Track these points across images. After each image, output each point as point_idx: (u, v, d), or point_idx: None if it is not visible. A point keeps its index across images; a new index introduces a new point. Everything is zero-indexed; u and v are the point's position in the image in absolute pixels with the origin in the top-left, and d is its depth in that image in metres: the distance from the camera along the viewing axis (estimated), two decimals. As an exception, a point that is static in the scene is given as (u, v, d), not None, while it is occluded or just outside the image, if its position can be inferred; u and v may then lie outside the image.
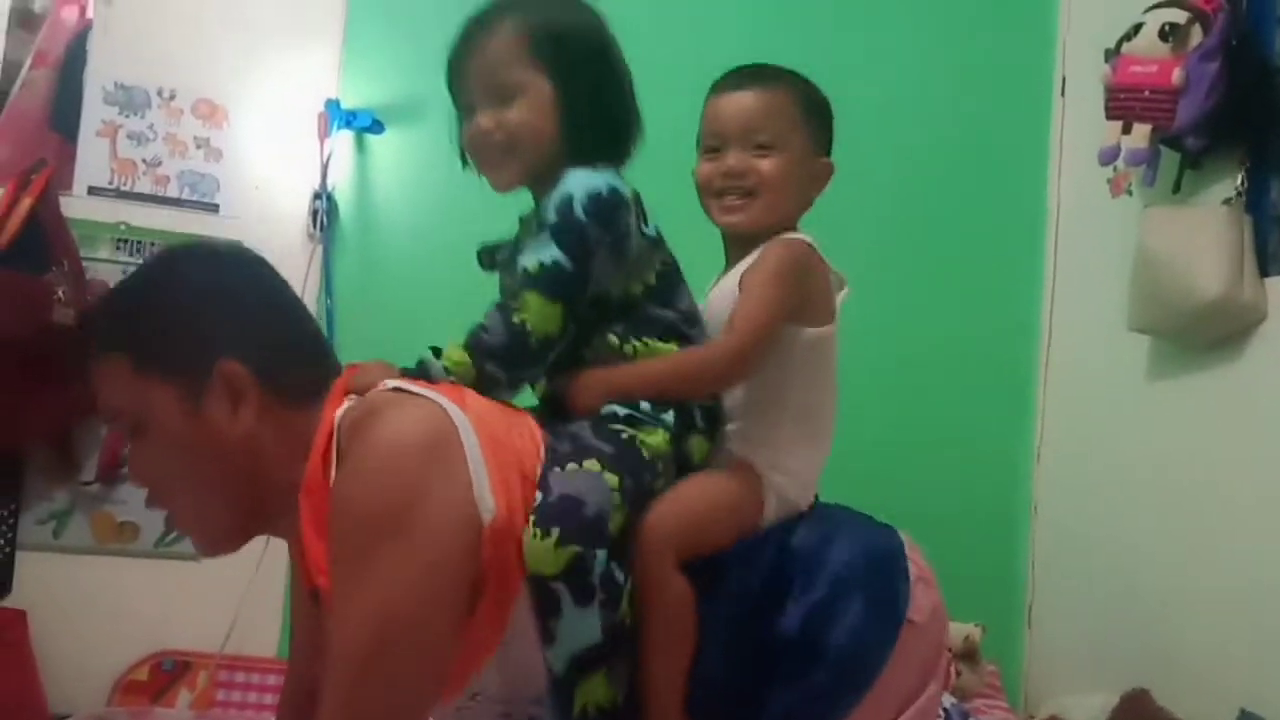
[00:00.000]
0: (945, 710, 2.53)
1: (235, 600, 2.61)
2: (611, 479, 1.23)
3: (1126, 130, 2.58)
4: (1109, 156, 2.64)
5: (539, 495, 1.21)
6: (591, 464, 1.24)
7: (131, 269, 2.58)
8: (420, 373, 1.29)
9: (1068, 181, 3.15)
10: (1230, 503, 2.40)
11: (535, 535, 1.18)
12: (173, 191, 2.72)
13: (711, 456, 1.38)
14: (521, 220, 1.44)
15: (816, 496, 1.46)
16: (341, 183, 2.82)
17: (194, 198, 2.73)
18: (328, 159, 2.76)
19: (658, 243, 1.40)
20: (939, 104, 3.14)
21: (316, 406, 1.28)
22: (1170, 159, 2.56)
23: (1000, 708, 2.81)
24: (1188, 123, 2.41)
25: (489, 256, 1.44)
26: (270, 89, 2.80)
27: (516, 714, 1.32)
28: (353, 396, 1.27)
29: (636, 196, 1.38)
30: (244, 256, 1.39)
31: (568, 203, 1.31)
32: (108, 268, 2.63)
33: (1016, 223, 3.18)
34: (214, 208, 2.73)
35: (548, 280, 1.29)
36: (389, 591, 1.13)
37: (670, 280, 1.40)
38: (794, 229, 1.47)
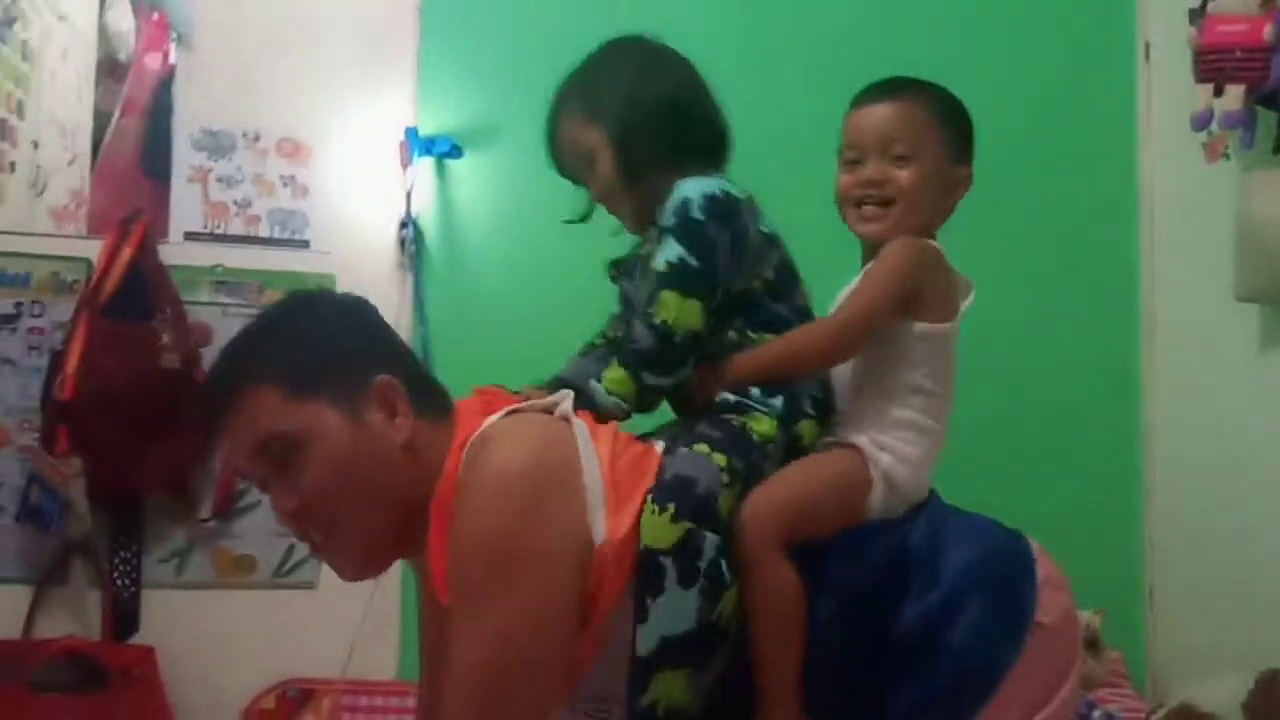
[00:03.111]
0: (1072, 703, 2.49)
1: (353, 625, 2.66)
2: (719, 459, 1.29)
3: (1218, 93, 2.51)
4: (1203, 121, 2.57)
5: (655, 479, 1.27)
6: (700, 447, 1.30)
7: (231, 309, 2.69)
8: (585, 401, 1.34)
9: (1159, 150, 3.07)
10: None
11: (653, 510, 1.24)
12: (264, 230, 2.77)
13: (819, 441, 1.40)
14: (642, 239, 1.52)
15: (934, 493, 1.44)
16: (425, 209, 2.85)
17: (285, 235, 2.78)
18: (411, 187, 2.80)
19: (774, 240, 1.47)
20: (1019, 78, 3.07)
21: (447, 424, 1.33)
22: (1268, 119, 2.48)
23: (1127, 696, 2.75)
24: (1284, 81, 2.34)
25: (615, 269, 1.53)
26: (350, 122, 2.84)
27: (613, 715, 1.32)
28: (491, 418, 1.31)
29: (750, 198, 1.46)
30: (354, 296, 1.46)
31: (684, 205, 1.40)
32: (208, 310, 2.69)
33: (1108, 196, 3.11)
34: (304, 243, 2.78)
35: (679, 276, 1.36)
36: (505, 619, 1.18)
37: (787, 277, 1.47)
38: (931, 238, 1.48)
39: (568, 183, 1.57)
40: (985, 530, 1.37)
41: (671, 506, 1.23)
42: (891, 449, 1.38)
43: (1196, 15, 2.51)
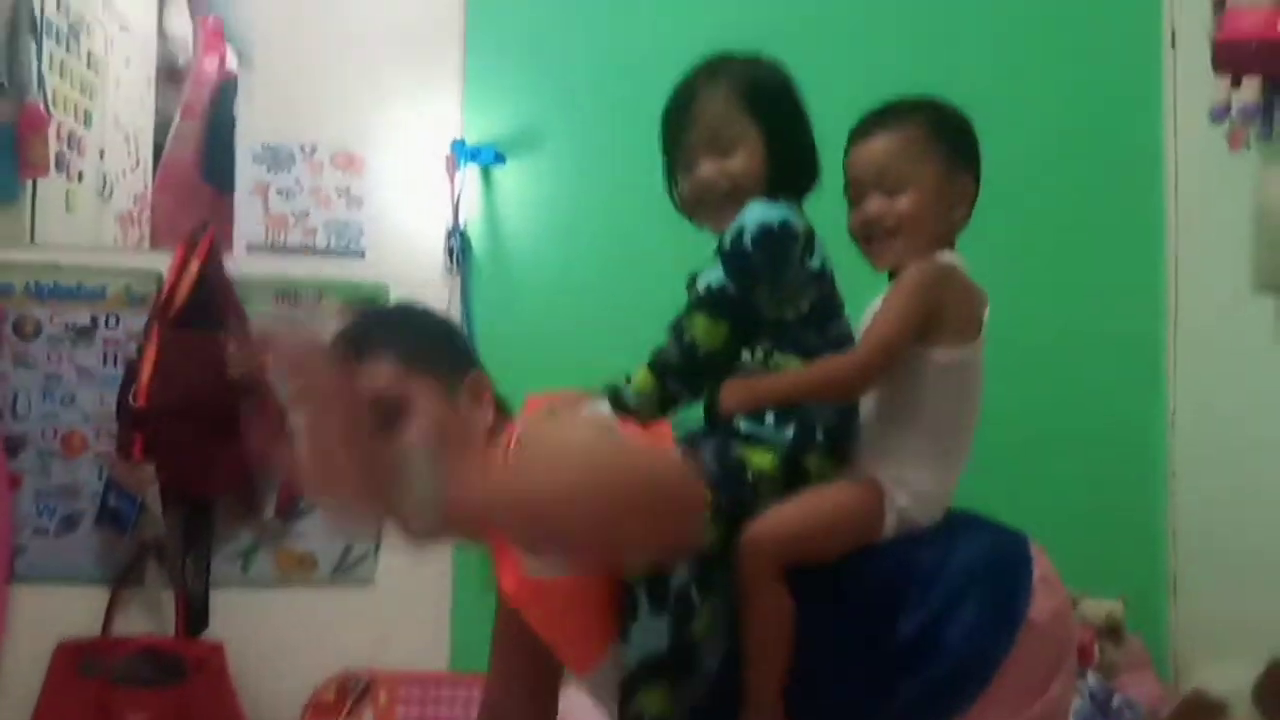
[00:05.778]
0: (1091, 692, 2.55)
1: (408, 620, 2.79)
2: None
3: (1236, 84, 2.56)
4: (1220, 113, 2.62)
5: None
6: None
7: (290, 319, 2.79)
8: (615, 399, 1.44)
9: (1185, 138, 3.08)
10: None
11: None
12: (321, 242, 2.88)
13: (833, 472, 1.45)
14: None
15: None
16: (472, 216, 2.95)
17: (340, 245, 2.89)
18: (458, 196, 2.90)
19: (820, 276, 1.48)
20: (1046, 66, 3.13)
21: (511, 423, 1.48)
22: (1286, 110, 2.52)
23: (1149, 682, 2.77)
24: (1299, 73, 2.39)
25: (692, 280, 1.54)
26: (400, 134, 2.94)
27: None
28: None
29: (809, 231, 1.48)
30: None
31: (740, 232, 1.44)
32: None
33: (1133, 185, 3.16)
34: (360, 253, 2.89)
35: (712, 302, 1.44)
36: None
37: (824, 311, 1.48)
38: (948, 248, 1.52)
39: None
40: (984, 533, 1.44)
41: None
42: (911, 485, 1.42)
43: (1218, 6, 2.55)
